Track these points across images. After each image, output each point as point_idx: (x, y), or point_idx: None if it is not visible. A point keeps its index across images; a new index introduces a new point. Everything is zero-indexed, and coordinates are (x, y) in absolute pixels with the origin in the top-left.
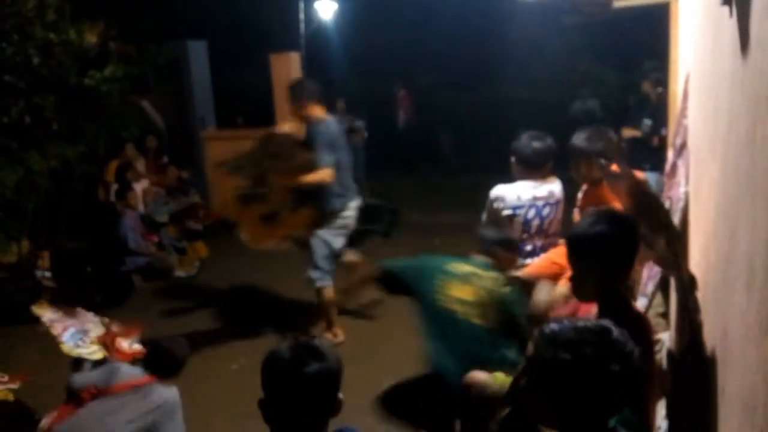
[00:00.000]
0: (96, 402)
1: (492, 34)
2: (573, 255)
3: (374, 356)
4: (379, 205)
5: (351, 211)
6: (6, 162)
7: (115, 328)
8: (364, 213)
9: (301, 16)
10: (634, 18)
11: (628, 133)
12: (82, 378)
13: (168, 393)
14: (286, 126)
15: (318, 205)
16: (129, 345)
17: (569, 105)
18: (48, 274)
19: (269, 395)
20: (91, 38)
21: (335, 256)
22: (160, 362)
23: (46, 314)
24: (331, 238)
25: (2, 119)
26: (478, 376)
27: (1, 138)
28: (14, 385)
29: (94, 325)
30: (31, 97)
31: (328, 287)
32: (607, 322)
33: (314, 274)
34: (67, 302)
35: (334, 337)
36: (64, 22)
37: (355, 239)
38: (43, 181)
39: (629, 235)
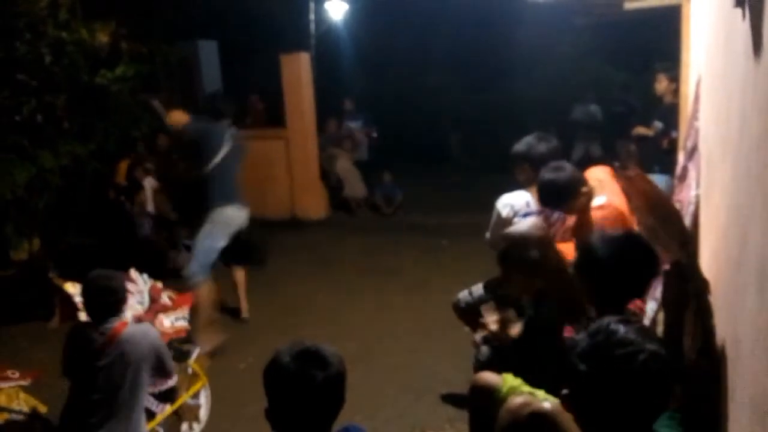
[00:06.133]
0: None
1: (502, 35)
2: (579, 269)
3: (374, 356)
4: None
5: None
6: (18, 160)
7: (165, 297)
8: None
9: (312, 16)
10: (645, 20)
11: (641, 130)
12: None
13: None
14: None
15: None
16: (171, 322)
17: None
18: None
19: (275, 405)
20: (103, 37)
21: (216, 253)
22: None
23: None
24: (215, 234)
25: (14, 117)
26: (487, 376)
27: (13, 136)
28: (25, 382)
29: (138, 298)
30: (43, 95)
31: (203, 282)
32: (615, 324)
33: (193, 267)
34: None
35: (209, 339)
36: (76, 22)
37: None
38: (55, 179)
39: (635, 259)
